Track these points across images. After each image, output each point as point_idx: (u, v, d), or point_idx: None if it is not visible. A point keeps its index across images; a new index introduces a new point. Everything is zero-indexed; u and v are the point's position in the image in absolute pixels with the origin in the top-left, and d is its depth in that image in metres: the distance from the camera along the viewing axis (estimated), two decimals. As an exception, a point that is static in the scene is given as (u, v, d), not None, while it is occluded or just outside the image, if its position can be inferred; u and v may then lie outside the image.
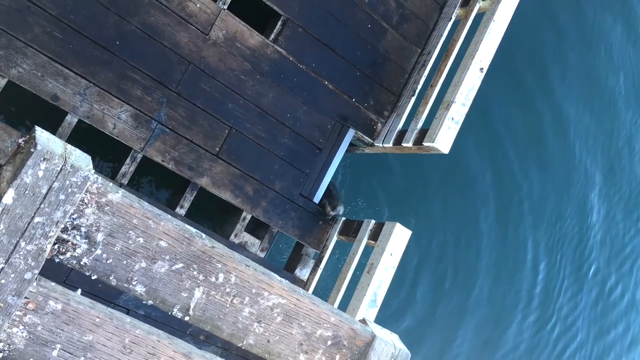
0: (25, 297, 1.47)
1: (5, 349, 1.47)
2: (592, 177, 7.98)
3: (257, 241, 4.29)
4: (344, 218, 4.47)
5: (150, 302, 1.65)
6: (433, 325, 6.63)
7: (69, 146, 1.50)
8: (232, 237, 4.17)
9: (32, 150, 1.40)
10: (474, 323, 6.96)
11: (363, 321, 2.02)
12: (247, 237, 4.24)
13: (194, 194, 4.03)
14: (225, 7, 3.99)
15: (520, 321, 7.41)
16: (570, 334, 7.93)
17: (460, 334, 6.90)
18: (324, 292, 4.65)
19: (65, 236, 1.50)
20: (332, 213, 4.40)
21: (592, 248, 8.12)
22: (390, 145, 4.36)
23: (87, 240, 1.53)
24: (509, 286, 7.27)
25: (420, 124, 4.14)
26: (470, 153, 6.78)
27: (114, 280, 1.59)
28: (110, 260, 1.57)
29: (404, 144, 4.18)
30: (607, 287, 8.36)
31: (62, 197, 1.44)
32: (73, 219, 1.50)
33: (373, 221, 4.15)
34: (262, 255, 4.33)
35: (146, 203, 1.60)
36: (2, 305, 1.42)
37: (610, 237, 8.34)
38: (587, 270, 8.08)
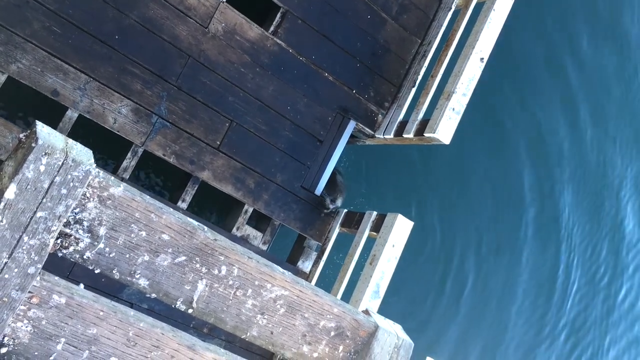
0: (29, 292, 1.47)
1: (10, 343, 1.48)
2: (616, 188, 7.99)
3: (259, 234, 4.29)
4: (345, 210, 4.47)
5: (153, 295, 1.65)
6: (433, 322, 6.62)
7: (70, 140, 1.50)
8: (234, 230, 4.18)
9: (33, 145, 1.40)
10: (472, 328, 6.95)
11: (366, 312, 2.03)
12: (249, 230, 4.25)
13: (196, 188, 4.03)
14: (224, -1, 3.98)
15: (528, 325, 7.39)
16: (585, 340, 7.94)
17: (474, 336, 6.90)
18: (327, 284, 4.66)
19: (67, 230, 1.50)
20: (331, 207, 4.38)
21: (605, 255, 8.12)
22: (391, 136, 4.36)
23: (89, 234, 1.53)
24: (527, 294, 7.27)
25: (421, 115, 4.13)
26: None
27: (117, 273, 1.60)
28: (113, 254, 1.57)
29: (404, 135, 4.17)
30: (621, 294, 8.36)
31: (64, 191, 1.44)
32: (75, 213, 1.50)
33: (375, 213, 4.14)
34: (265, 247, 4.33)
35: (148, 197, 1.60)
36: (6, 299, 1.42)
37: (625, 244, 8.34)
38: (601, 277, 8.09)
